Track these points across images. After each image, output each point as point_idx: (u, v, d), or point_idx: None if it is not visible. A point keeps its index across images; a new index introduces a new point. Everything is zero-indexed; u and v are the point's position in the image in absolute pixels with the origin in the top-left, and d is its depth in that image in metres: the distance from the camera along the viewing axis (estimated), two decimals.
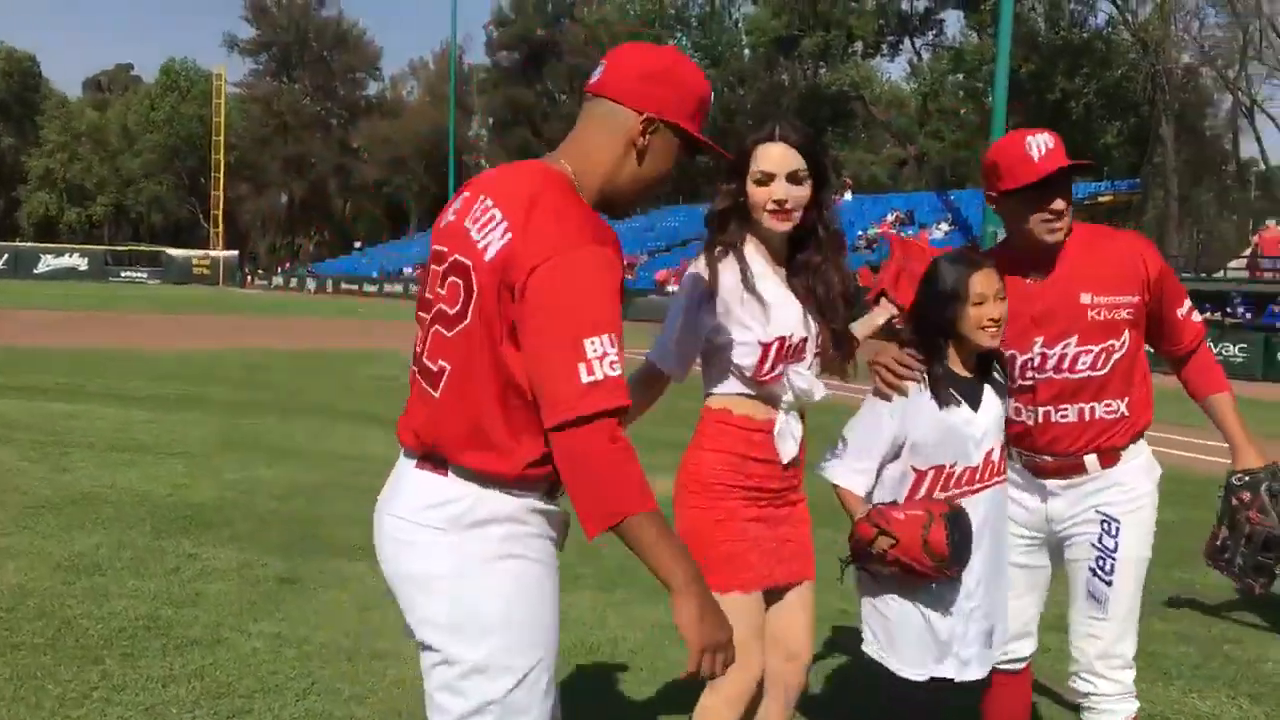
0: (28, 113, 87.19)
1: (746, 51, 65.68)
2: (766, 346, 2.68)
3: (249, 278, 73.10)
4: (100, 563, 5.39)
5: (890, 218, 45.38)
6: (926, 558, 2.69)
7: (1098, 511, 2.96)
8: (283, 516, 6.61)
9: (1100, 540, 2.94)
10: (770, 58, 62.62)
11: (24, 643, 4.22)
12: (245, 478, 7.75)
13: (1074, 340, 2.90)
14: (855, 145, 67.38)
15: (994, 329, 2.78)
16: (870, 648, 2.92)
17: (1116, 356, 2.91)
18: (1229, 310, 25.32)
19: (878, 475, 2.87)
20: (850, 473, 2.86)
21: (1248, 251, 31.03)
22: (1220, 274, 30.28)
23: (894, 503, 2.82)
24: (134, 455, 8.31)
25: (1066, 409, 2.93)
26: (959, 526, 2.72)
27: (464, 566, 2.07)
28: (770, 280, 2.74)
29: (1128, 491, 2.97)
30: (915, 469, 2.82)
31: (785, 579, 2.81)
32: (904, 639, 2.85)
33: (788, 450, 2.74)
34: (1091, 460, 2.95)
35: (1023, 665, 3.13)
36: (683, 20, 64.87)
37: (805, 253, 2.79)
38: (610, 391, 1.91)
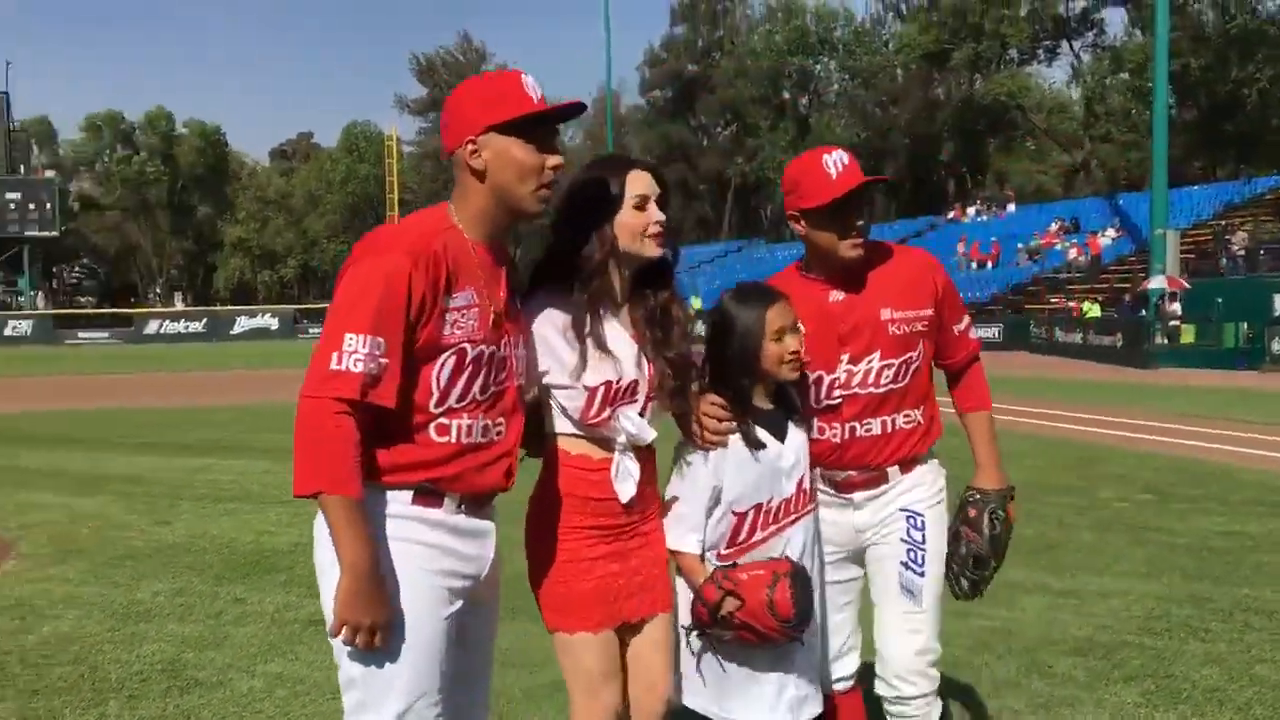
0: (219, 182, 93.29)
1: (899, 70, 64.65)
2: (593, 391, 2.64)
3: None
4: (152, 609, 5.77)
5: (1054, 226, 43.78)
6: (772, 619, 2.65)
7: (901, 510, 3.01)
8: None
9: (909, 534, 3.00)
10: (923, 74, 61.51)
11: (46, 687, 4.56)
12: None
13: (877, 355, 2.94)
14: (1019, 155, 65.28)
15: (795, 362, 2.78)
16: (694, 700, 2.83)
17: (914, 368, 2.98)
18: None
19: None
20: (683, 535, 2.80)
21: None
22: None
23: (734, 564, 2.76)
24: (237, 505, 8.84)
25: (871, 423, 2.96)
26: (802, 585, 2.69)
27: (323, 561, 2.35)
28: (607, 321, 2.70)
29: (928, 488, 3.05)
30: (735, 512, 2.78)
31: (637, 614, 2.78)
32: (744, 692, 2.78)
33: (625, 491, 2.70)
34: (893, 470, 3.02)
35: (851, 684, 3.10)
36: (829, 44, 64.35)
37: (649, 287, 2.75)
38: (344, 382, 2.20)
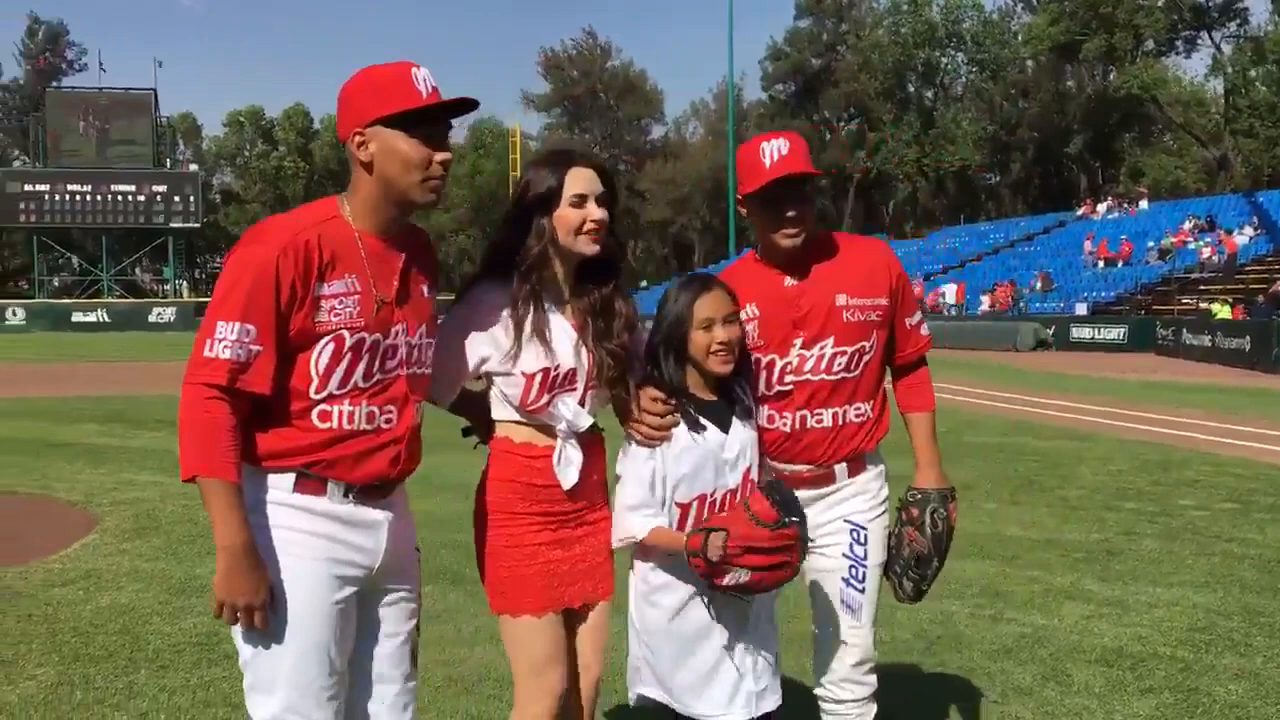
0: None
1: (1028, 63, 62.89)
2: (530, 378, 2.71)
3: None
4: (207, 584, 5.95)
5: (1188, 224, 42.02)
6: (762, 529, 2.58)
7: (846, 520, 3.01)
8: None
9: (851, 549, 3.00)
10: (1053, 66, 59.71)
11: (88, 654, 4.85)
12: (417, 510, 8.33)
13: (830, 341, 2.94)
14: (1155, 150, 62.80)
15: (724, 353, 2.76)
16: (648, 690, 2.85)
17: (867, 359, 2.99)
18: None
19: None
20: (645, 520, 2.78)
21: None
22: None
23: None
24: None
25: (822, 413, 2.97)
26: (776, 490, 2.67)
27: None
28: (548, 310, 2.76)
29: (871, 499, 3.06)
30: (679, 503, 2.78)
31: (580, 599, 2.85)
32: (700, 683, 2.79)
33: (568, 477, 2.76)
34: (841, 469, 3.02)
35: None
36: (957, 36, 62.94)
37: (594, 279, 2.80)
38: (212, 369, 2.30)
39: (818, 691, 3.09)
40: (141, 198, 70.17)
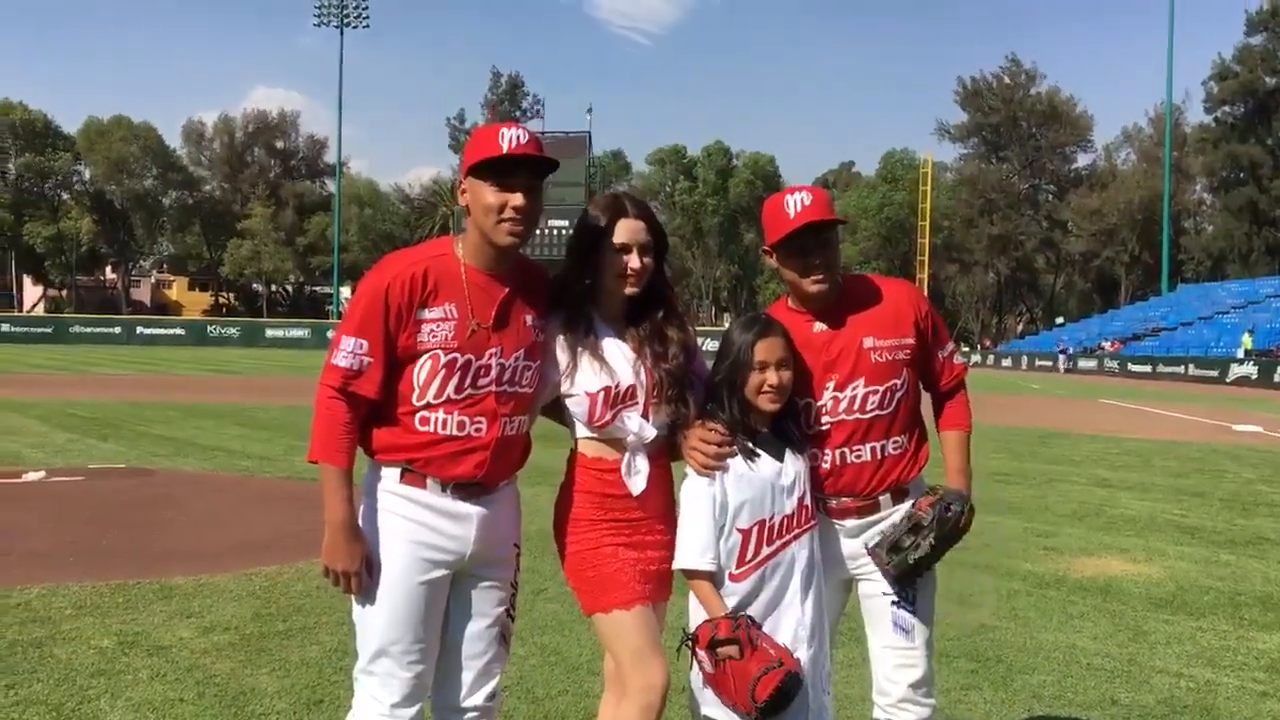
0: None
1: None
2: (593, 396, 2.94)
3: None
4: None
5: None
6: (746, 690, 2.71)
7: None
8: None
9: None
10: None
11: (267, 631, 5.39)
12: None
13: (861, 382, 3.07)
14: None
15: (772, 394, 2.93)
16: (713, 711, 2.89)
17: (899, 395, 3.10)
18: None
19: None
20: (697, 555, 2.91)
21: None
22: None
23: (759, 625, 2.84)
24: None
25: (860, 449, 3.09)
26: (787, 691, 2.73)
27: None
28: (603, 337, 3.00)
29: None
30: (740, 529, 2.91)
31: (654, 598, 2.98)
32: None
33: (635, 485, 2.95)
34: (885, 499, 3.12)
35: None
36: None
37: (645, 310, 3.04)
38: (333, 374, 2.78)
39: (876, 715, 3.11)
40: (571, 231, 76.25)
